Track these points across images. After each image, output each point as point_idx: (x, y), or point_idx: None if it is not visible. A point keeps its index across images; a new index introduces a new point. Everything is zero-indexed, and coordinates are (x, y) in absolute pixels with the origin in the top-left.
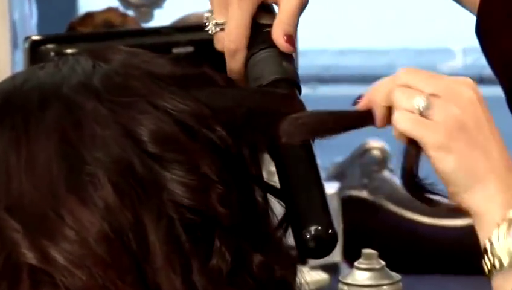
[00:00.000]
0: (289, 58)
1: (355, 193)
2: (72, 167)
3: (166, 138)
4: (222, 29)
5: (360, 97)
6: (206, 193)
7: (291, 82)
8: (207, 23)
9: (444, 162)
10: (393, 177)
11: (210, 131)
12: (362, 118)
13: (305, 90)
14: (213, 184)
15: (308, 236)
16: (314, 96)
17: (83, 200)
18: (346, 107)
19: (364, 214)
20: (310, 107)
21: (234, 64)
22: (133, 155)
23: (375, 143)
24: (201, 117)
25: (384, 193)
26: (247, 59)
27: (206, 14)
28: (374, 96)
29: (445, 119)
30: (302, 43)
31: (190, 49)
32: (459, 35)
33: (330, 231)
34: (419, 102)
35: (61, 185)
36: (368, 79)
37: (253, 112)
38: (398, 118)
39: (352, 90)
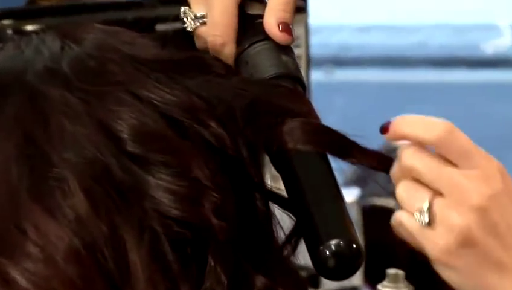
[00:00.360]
0: (287, 50)
1: (379, 201)
2: (36, 170)
3: (150, 135)
4: (204, 23)
5: (388, 124)
6: (198, 201)
7: (294, 78)
8: (184, 19)
9: (447, 276)
10: None
11: (203, 127)
12: (380, 165)
13: (319, 75)
14: (206, 191)
15: (327, 253)
16: (330, 82)
17: (49, 210)
18: (368, 95)
19: (390, 227)
20: (324, 95)
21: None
22: (109, 156)
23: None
24: (193, 110)
25: None
26: (237, 56)
27: (182, 9)
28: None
29: (445, 231)
30: (315, 19)
31: (178, 25)
32: (507, 8)
33: (354, 246)
34: (421, 205)
35: (23, 192)
36: (394, 61)
37: (256, 106)
38: (399, 219)
39: (376, 74)
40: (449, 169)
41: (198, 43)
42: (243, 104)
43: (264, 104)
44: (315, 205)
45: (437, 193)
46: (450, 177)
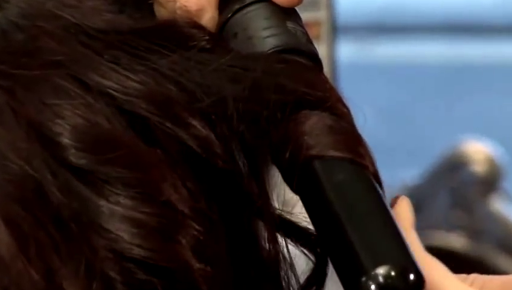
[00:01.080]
0: (292, 14)
1: (440, 239)
2: None
3: (101, 139)
4: None
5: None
6: (172, 236)
7: (305, 53)
8: None
9: None
10: (510, 209)
11: (181, 127)
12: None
13: (350, 50)
14: (184, 221)
15: (372, 286)
16: (365, 60)
17: None
18: (420, 79)
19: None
20: (357, 77)
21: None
22: (44, 170)
23: (476, 147)
24: (166, 103)
25: (494, 239)
26: (222, 27)
27: None
28: None
29: None
30: None
31: None
32: None
33: (412, 276)
34: None
35: None
36: (455, 31)
37: (257, 94)
38: None
39: (433, 49)
40: None
41: (163, 12)
42: (239, 92)
43: (268, 90)
44: (355, 230)
45: None
46: None
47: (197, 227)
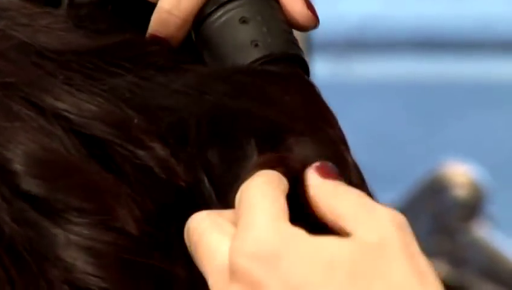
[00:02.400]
0: (278, 11)
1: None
2: None
3: (56, 165)
4: None
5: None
6: (129, 265)
7: (294, 59)
8: None
9: None
10: (494, 235)
11: (139, 148)
12: None
13: (327, 67)
14: (141, 249)
15: None
16: (344, 78)
17: None
18: (401, 97)
19: None
20: (335, 97)
21: (171, 27)
22: None
23: (459, 170)
24: (124, 125)
25: (477, 266)
26: (200, 21)
27: None
28: None
29: None
30: None
31: None
32: None
33: None
34: None
35: None
36: (437, 47)
37: (226, 115)
38: None
39: (413, 66)
40: None
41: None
42: (198, 115)
43: (227, 115)
44: None
45: None
46: None
47: (155, 255)
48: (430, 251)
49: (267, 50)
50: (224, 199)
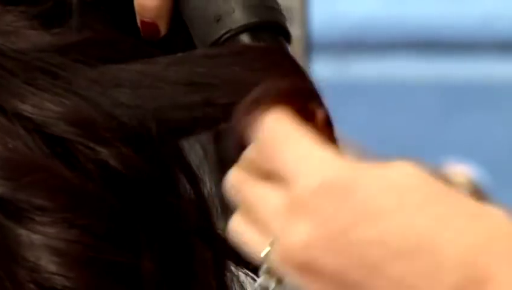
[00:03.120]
0: None
1: None
2: None
3: (19, 165)
4: None
5: None
6: (93, 263)
7: (275, 28)
8: None
9: None
10: None
11: (102, 146)
12: None
13: (327, 68)
14: (105, 248)
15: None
16: (343, 79)
17: None
18: (401, 98)
19: None
20: (335, 97)
21: (150, 10)
22: None
23: (458, 170)
24: (85, 123)
25: None
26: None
27: None
28: None
29: None
30: None
31: None
32: None
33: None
34: None
35: None
36: (436, 48)
37: (183, 109)
38: None
39: (414, 67)
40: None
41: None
42: (161, 108)
43: (192, 106)
44: None
45: None
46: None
47: (120, 251)
48: None
49: (227, 26)
50: (199, 192)
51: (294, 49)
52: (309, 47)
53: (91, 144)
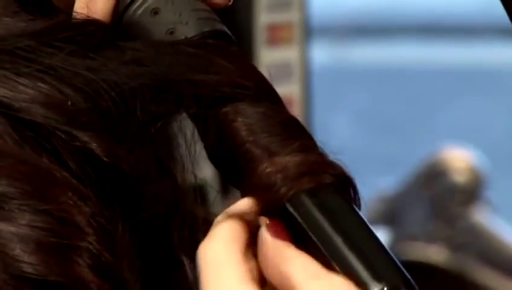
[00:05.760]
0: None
1: (419, 251)
2: None
3: None
4: None
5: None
6: (64, 250)
7: (211, 36)
8: None
9: None
10: (493, 220)
11: (79, 130)
12: None
13: (326, 53)
14: (78, 234)
15: None
16: (343, 64)
17: None
18: (400, 83)
19: None
20: (334, 83)
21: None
22: None
23: (457, 155)
24: (62, 107)
25: (476, 252)
26: (120, 12)
27: None
28: None
29: None
30: None
31: None
32: None
33: None
34: None
35: None
36: (436, 33)
37: (164, 91)
38: None
39: (414, 51)
40: None
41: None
42: (142, 90)
43: (176, 85)
44: (336, 257)
45: None
46: None
47: (94, 240)
48: (428, 236)
49: (182, 36)
50: (169, 180)
51: (294, 34)
52: (308, 32)
53: (66, 128)
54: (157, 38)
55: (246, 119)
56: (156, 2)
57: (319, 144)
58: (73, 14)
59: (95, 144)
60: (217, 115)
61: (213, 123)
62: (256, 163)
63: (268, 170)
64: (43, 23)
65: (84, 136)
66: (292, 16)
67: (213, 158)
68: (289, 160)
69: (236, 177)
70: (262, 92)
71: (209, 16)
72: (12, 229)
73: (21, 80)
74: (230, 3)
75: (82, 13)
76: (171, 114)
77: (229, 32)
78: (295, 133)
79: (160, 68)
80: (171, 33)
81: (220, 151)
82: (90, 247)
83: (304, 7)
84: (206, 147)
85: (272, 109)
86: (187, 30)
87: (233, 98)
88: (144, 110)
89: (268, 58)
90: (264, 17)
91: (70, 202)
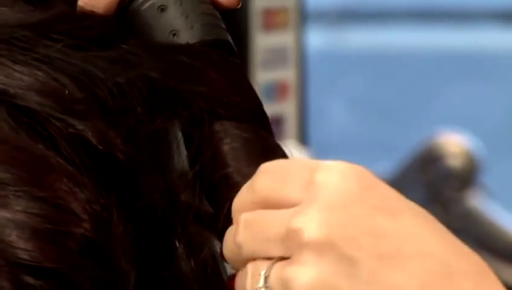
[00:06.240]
0: (195, 2)
1: None
2: None
3: None
4: None
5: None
6: (59, 236)
7: (212, 45)
8: None
9: None
10: (489, 205)
11: (75, 118)
12: None
13: (321, 38)
14: (73, 221)
15: None
16: (338, 49)
17: None
18: (396, 68)
19: None
20: (329, 68)
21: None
22: None
23: (453, 140)
24: (58, 95)
25: (472, 237)
26: (126, 3)
27: None
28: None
29: None
30: None
31: None
32: None
33: None
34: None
35: None
36: (432, 18)
37: (168, 89)
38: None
39: (410, 36)
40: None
41: None
42: (141, 85)
43: (167, 92)
44: None
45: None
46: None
47: (87, 227)
48: None
49: (184, 40)
50: (163, 172)
51: (289, 19)
52: (303, 17)
53: (61, 116)
54: (159, 37)
55: (231, 142)
56: None
57: None
58: (77, 5)
59: (90, 133)
60: (202, 130)
61: (198, 136)
62: (235, 189)
63: None
64: (40, 15)
65: (79, 125)
66: (287, 1)
67: (193, 166)
68: None
69: (212, 192)
70: (252, 113)
71: (215, 22)
72: (8, 215)
73: (17, 67)
74: (239, 6)
75: (84, 6)
76: (164, 115)
77: (231, 42)
78: None
79: (153, 74)
80: (174, 35)
81: (201, 163)
82: (86, 233)
83: None
84: (188, 154)
85: (257, 135)
86: (190, 35)
87: (219, 114)
88: (140, 104)
89: (264, 43)
90: (259, 2)
91: (66, 188)
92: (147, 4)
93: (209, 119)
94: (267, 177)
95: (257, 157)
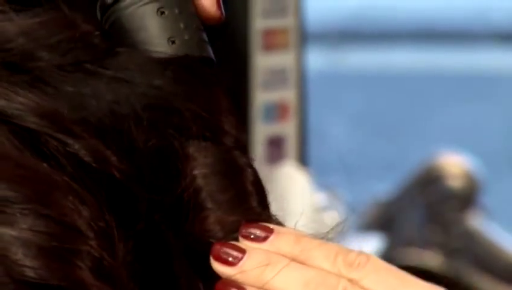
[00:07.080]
0: (191, 3)
1: (414, 257)
2: None
3: None
4: None
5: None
6: (65, 254)
7: (204, 61)
8: None
9: None
10: (489, 226)
11: (70, 138)
12: None
13: (321, 58)
14: (78, 238)
15: None
16: (338, 69)
17: None
18: (395, 88)
19: None
20: (329, 88)
21: None
22: None
23: (453, 160)
24: (55, 116)
25: (472, 258)
26: (107, 4)
27: None
28: None
29: None
30: None
31: None
32: None
33: None
34: None
35: None
36: (430, 38)
37: (165, 107)
38: None
39: (409, 57)
40: None
41: None
42: (137, 103)
43: (156, 108)
44: None
45: None
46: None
47: (95, 244)
48: (424, 241)
49: (182, 50)
50: (158, 190)
51: (289, 40)
52: (304, 37)
53: (59, 136)
54: (154, 40)
55: (204, 168)
56: (166, 3)
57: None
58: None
59: (84, 151)
60: (181, 147)
61: (180, 152)
62: (205, 213)
63: (214, 227)
64: (32, 25)
65: (75, 143)
66: (288, 21)
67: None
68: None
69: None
70: (230, 135)
71: (205, 38)
72: (14, 233)
73: (15, 88)
74: (222, 19)
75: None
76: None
77: (214, 59)
78: (246, 196)
79: (147, 91)
80: (173, 42)
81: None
82: (92, 251)
83: (299, 13)
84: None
85: (233, 162)
86: (187, 45)
87: (199, 134)
88: (135, 123)
89: (264, 64)
90: (259, 22)
91: (71, 205)
92: (146, 4)
93: (185, 138)
94: None
95: (230, 187)
